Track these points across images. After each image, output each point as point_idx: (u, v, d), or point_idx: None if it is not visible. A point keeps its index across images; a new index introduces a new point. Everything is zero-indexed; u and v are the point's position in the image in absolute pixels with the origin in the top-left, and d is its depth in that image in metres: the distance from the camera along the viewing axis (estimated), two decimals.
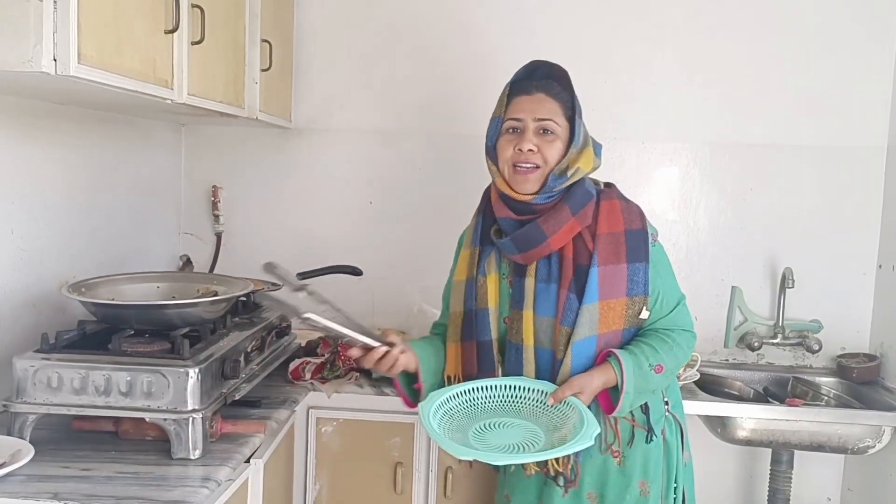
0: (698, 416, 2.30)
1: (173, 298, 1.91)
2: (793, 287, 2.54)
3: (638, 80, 2.65)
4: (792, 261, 2.61)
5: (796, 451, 2.40)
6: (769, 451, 2.47)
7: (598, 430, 1.46)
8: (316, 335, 2.37)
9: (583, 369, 1.59)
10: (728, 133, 2.66)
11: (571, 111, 1.63)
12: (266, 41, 2.31)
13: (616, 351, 1.58)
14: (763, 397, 2.47)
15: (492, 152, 1.67)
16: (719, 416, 2.26)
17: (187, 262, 2.75)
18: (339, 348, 2.28)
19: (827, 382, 2.55)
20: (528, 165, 1.59)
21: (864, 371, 2.53)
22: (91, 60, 1.39)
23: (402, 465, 2.18)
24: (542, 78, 1.65)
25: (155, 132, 2.55)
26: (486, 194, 1.76)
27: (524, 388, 1.62)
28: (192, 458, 1.57)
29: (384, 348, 1.60)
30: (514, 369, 1.65)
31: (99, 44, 1.42)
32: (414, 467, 2.19)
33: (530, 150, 1.59)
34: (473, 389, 1.63)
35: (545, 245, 1.60)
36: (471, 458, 1.45)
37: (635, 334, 1.66)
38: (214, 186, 2.74)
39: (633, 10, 2.64)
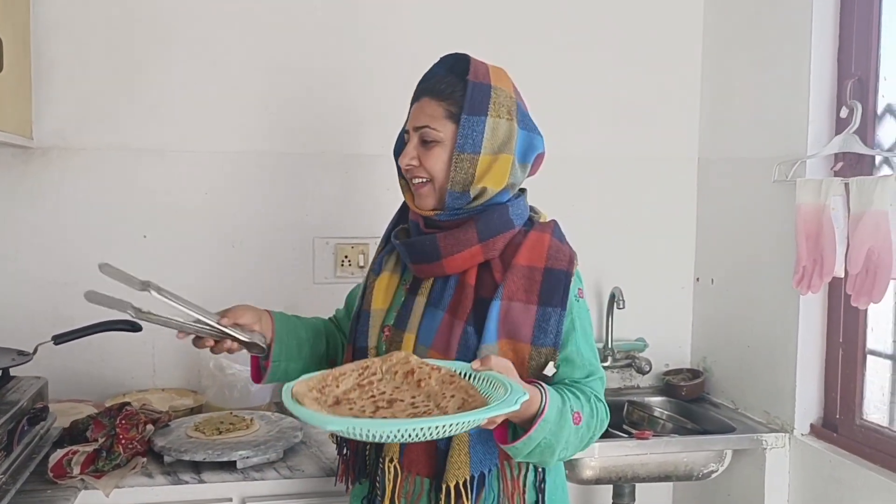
0: None
1: None
2: (623, 308, 2.43)
3: None
4: (615, 277, 2.51)
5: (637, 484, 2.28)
6: (610, 486, 2.33)
7: (527, 397, 1.11)
8: (84, 413, 1.86)
9: None
10: (546, 146, 2.49)
11: (459, 109, 1.36)
12: None
13: (537, 381, 1.27)
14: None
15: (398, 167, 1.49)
16: (568, 460, 2.06)
17: None
18: (117, 429, 1.78)
19: (658, 403, 2.48)
20: (418, 180, 1.42)
21: (691, 388, 2.49)
22: None
23: None
24: (431, 78, 1.45)
25: None
26: None
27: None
28: None
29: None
30: None
31: None
32: None
33: (410, 164, 1.41)
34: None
35: (438, 265, 1.39)
36: (342, 430, 1.05)
37: None
38: None
39: (442, 22, 2.39)
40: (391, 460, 1.37)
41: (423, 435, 1.04)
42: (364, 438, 1.05)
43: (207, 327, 1.38)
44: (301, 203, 2.33)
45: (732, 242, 2.43)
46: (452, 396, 1.14)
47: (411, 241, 1.44)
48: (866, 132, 1.99)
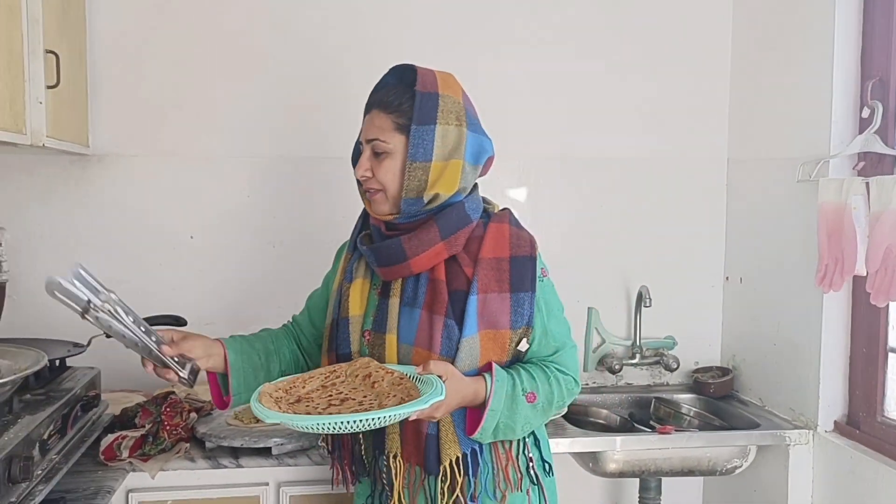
0: (569, 453, 2.16)
1: None
2: (650, 306, 2.48)
3: (482, 95, 2.47)
4: (645, 277, 2.55)
5: (664, 477, 2.32)
6: (637, 480, 2.38)
7: (441, 398, 1.26)
8: (134, 402, 2.00)
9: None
10: (575, 148, 2.56)
11: (409, 120, 1.42)
12: (51, 52, 1.91)
13: (495, 365, 1.41)
14: (629, 424, 2.37)
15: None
16: (591, 452, 2.13)
17: None
18: (163, 416, 1.92)
19: (686, 400, 2.51)
20: (372, 189, 1.48)
21: (719, 386, 2.51)
22: None
23: None
24: (381, 89, 1.50)
25: None
26: None
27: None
28: None
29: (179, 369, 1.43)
30: None
31: None
32: None
33: (363, 176, 1.48)
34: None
35: (405, 265, 1.46)
36: (275, 421, 1.22)
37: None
38: None
39: (471, 25, 2.48)
40: (395, 456, 1.47)
41: (341, 428, 1.20)
42: (295, 428, 1.22)
43: (151, 349, 1.39)
44: (336, 205, 2.44)
45: (760, 242, 2.45)
46: (395, 396, 1.28)
47: (377, 245, 1.49)
48: (887, 132, 2.00)
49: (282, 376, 1.55)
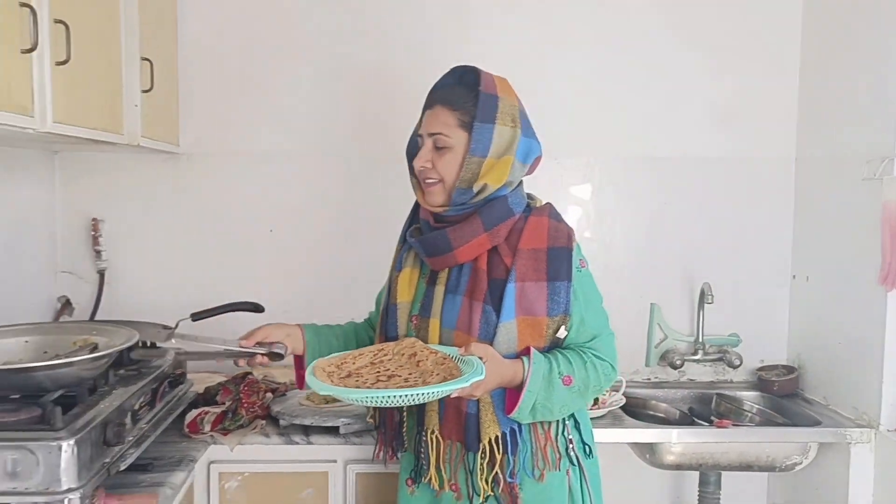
0: (627, 443, 2.21)
1: (44, 355, 1.67)
2: (712, 303, 2.50)
3: (547, 95, 2.55)
4: (709, 274, 2.57)
5: (723, 472, 2.34)
6: (697, 473, 2.40)
7: (481, 377, 1.36)
8: (215, 381, 2.17)
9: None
10: (640, 147, 2.61)
11: (472, 118, 1.53)
12: (146, 59, 2.09)
13: (533, 349, 1.50)
14: (689, 418, 2.40)
15: (410, 167, 1.66)
16: (648, 443, 2.17)
17: (66, 304, 2.47)
18: (241, 395, 2.07)
19: (749, 397, 2.52)
20: (430, 180, 1.59)
21: (784, 384, 2.51)
22: None
23: None
24: (444, 87, 1.62)
25: (23, 161, 2.28)
26: None
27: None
28: None
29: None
30: None
31: None
32: None
33: (423, 167, 1.58)
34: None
35: (451, 255, 1.57)
36: (327, 393, 1.36)
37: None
38: (94, 219, 2.48)
39: (539, 24, 2.55)
40: (432, 432, 1.58)
41: (388, 401, 1.31)
42: (346, 400, 1.35)
43: (234, 350, 1.63)
44: (404, 200, 2.52)
45: (827, 240, 2.44)
46: (438, 374, 1.37)
47: (425, 237, 1.61)
48: None
49: None
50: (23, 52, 1.46)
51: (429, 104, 1.62)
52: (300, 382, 1.71)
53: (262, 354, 1.62)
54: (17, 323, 1.82)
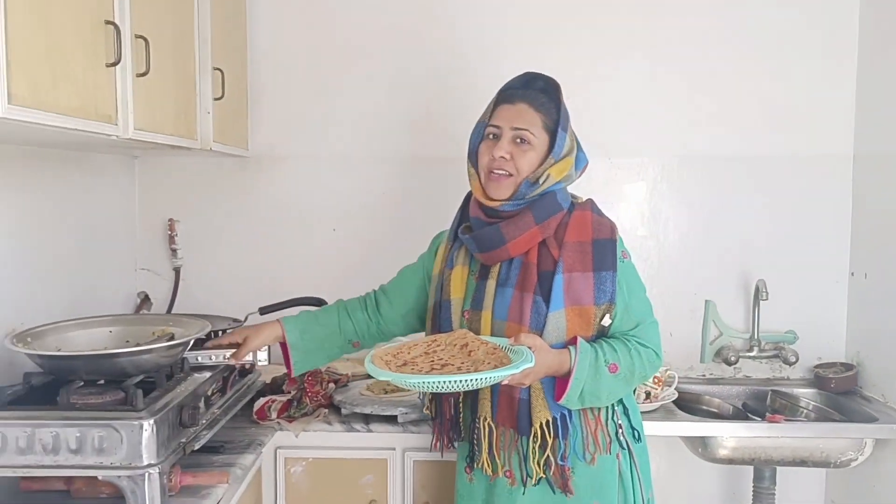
0: (679, 437, 2.25)
1: (126, 343, 1.82)
2: (767, 299, 2.51)
3: (602, 94, 2.61)
4: (764, 271, 2.58)
5: (778, 468, 2.35)
6: (751, 468, 2.42)
7: (531, 365, 1.43)
8: (282, 372, 2.29)
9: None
10: (695, 146, 2.63)
11: (555, 124, 1.64)
12: (218, 69, 2.23)
13: (579, 338, 1.57)
14: (743, 413, 2.42)
15: (473, 156, 1.72)
16: (700, 436, 2.20)
17: (145, 300, 2.64)
18: (305, 385, 2.19)
19: (805, 394, 2.52)
20: (501, 172, 1.64)
21: (841, 381, 2.50)
22: (23, 100, 1.30)
23: (377, 502, 2.10)
24: (528, 88, 1.69)
25: (106, 166, 2.45)
26: (468, 194, 1.80)
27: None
28: None
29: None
30: None
31: (32, 81, 1.33)
32: None
33: (503, 157, 1.63)
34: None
35: (504, 249, 1.64)
36: (388, 379, 1.45)
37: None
38: (171, 219, 2.64)
39: (595, 24, 2.61)
40: (485, 419, 1.66)
41: (443, 387, 1.39)
42: (403, 385, 1.44)
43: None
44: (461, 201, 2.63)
45: (885, 238, 2.42)
46: (489, 363, 1.45)
47: (477, 233, 1.68)
48: None
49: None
50: (107, 66, 1.59)
51: (508, 100, 1.68)
52: (290, 369, 1.88)
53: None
54: (102, 314, 1.97)
